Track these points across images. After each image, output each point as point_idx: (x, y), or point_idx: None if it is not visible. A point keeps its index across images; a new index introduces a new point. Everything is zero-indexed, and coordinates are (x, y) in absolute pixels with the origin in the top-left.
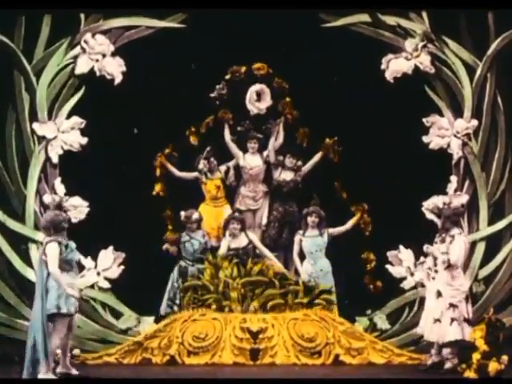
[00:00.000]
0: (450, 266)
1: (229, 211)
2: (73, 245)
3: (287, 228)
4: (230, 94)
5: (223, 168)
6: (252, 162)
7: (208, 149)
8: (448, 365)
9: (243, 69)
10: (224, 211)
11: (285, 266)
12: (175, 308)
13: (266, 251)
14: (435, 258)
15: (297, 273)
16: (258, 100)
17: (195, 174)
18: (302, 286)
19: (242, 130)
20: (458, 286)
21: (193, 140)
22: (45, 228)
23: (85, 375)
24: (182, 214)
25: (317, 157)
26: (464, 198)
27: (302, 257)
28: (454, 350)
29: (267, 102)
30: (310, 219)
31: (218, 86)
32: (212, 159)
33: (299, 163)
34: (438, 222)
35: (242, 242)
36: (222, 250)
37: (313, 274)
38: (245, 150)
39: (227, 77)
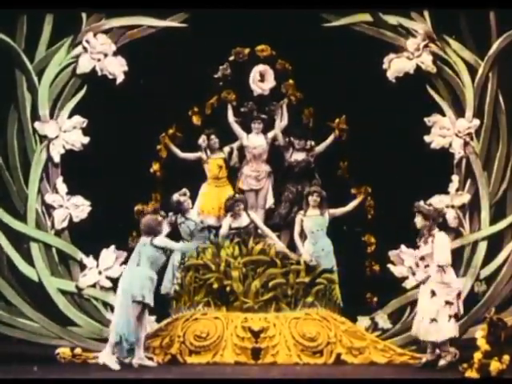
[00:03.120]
0: (441, 267)
1: (230, 191)
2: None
3: (298, 208)
4: (233, 75)
5: (227, 149)
6: (255, 141)
7: (210, 129)
8: (442, 362)
9: (246, 50)
10: (225, 191)
11: (290, 245)
12: (176, 287)
13: (267, 231)
14: (423, 259)
15: (298, 252)
16: (261, 80)
17: (198, 154)
18: (303, 265)
19: (246, 110)
20: (450, 283)
21: (196, 120)
22: (143, 231)
23: (86, 375)
24: (176, 194)
25: (330, 139)
26: (466, 198)
27: (304, 237)
28: (447, 346)
29: (270, 82)
30: (311, 199)
31: (221, 67)
32: (212, 136)
33: (312, 143)
34: (425, 224)
35: (243, 221)
36: (224, 230)
37: (314, 254)
38: (248, 131)
39: (231, 58)
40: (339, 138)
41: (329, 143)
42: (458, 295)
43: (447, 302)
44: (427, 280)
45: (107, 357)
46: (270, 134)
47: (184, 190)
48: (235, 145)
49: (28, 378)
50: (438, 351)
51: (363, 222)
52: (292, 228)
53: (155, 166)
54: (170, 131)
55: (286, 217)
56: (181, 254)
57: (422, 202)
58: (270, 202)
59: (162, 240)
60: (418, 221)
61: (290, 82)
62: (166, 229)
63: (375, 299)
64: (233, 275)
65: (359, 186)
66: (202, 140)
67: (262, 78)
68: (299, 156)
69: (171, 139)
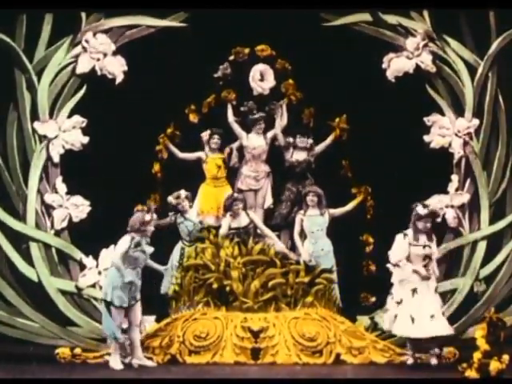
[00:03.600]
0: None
1: (229, 191)
2: (148, 248)
3: (299, 208)
4: (233, 74)
5: (226, 149)
6: (255, 142)
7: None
8: (434, 361)
9: (246, 50)
10: (224, 191)
11: (291, 245)
12: (176, 287)
13: (267, 231)
14: (429, 258)
15: (298, 252)
16: (261, 80)
17: (197, 154)
18: (302, 265)
19: (245, 110)
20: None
21: (192, 118)
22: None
23: (86, 375)
24: (170, 197)
25: (330, 138)
26: (465, 197)
27: (304, 236)
28: (434, 346)
29: (270, 82)
30: (308, 199)
31: (221, 66)
32: (216, 136)
33: (311, 141)
34: (428, 224)
35: (242, 221)
36: (223, 230)
37: (314, 254)
38: (248, 130)
39: (231, 58)
40: (339, 137)
41: (329, 143)
42: None
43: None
44: (431, 277)
45: (112, 360)
46: (270, 134)
47: (179, 192)
48: (235, 145)
49: (28, 378)
50: (436, 350)
51: (363, 222)
52: (292, 228)
53: (156, 167)
54: (169, 130)
55: (287, 217)
56: (179, 254)
57: (420, 206)
58: (269, 202)
59: (122, 240)
60: (429, 224)
61: (290, 81)
62: (151, 229)
63: (374, 299)
64: (232, 275)
65: (359, 185)
66: (205, 134)
67: (262, 77)
68: (300, 156)
69: (170, 139)
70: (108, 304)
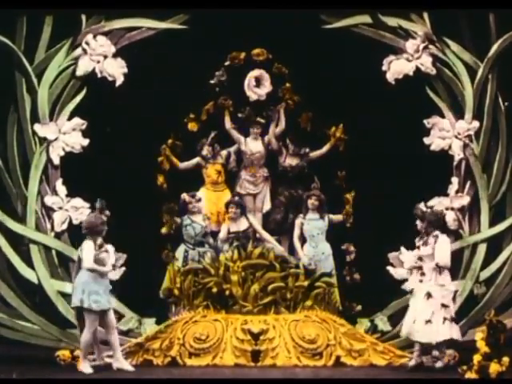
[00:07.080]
0: (439, 268)
1: (229, 196)
2: (110, 247)
3: (293, 212)
4: (229, 80)
5: (224, 153)
6: (253, 147)
7: (212, 135)
8: (439, 364)
9: (242, 55)
10: (224, 196)
11: (289, 250)
12: (175, 291)
13: (265, 235)
14: (421, 260)
15: (297, 256)
16: (257, 86)
17: (196, 160)
18: (302, 268)
19: (243, 116)
20: (447, 286)
21: (191, 127)
22: (84, 229)
23: (85, 376)
24: (185, 196)
25: (326, 147)
26: (465, 200)
27: (303, 240)
28: (443, 348)
29: (267, 87)
30: (309, 202)
31: (217, 73)
32: (216, 145)
33: (306, 150)
34: (419, 225)
35: (242, 225)
36: (222, 234)
37: (314, 257)
38: (246, 135)
39: (226, 63)
40: (335, 146)
41: (324, 152)
42: (453, 299)
43: (443, 305)
44: (423, 279)
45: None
46: (267, 139)
47: (195, 192)
48: (232, 149)
49: (28, 378)
50: (435, 353)
51: (361, 225)
52: (289, 232)
53: (160, 179)
54: (170, 141)
55: (281, 222)
56: (183, 257)
57: (421, 205)
58: (268, 206)
59: (84, 245)
60: (418, 223)
61: (287, 85)
62: (105, 229)
63: (374, 302)
64: (232, 279)
65: (349, 191)
66: (207, 151)
67: (258, 83)
68: (293, 161)
69: (172, 150)
70: (82, 311)
